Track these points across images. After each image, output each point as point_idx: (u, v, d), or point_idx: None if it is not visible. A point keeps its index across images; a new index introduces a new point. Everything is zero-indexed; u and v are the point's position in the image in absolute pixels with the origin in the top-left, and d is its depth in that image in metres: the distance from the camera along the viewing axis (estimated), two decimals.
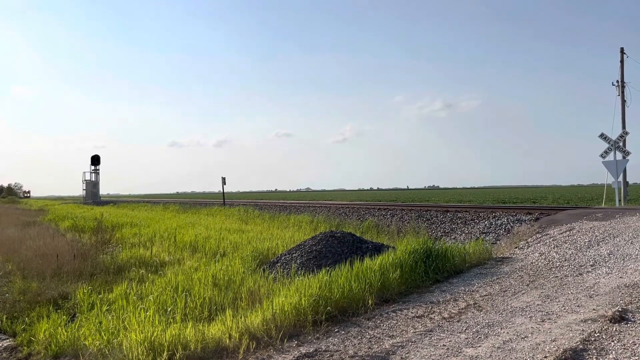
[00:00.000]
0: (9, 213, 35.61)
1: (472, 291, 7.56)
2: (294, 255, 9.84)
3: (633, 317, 5.44)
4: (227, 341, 5.38)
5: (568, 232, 11.61)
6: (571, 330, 5.23)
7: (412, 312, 6.48)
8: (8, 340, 6.55)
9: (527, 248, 11.05)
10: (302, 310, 6.13)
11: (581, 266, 8.67)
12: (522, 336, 5.21)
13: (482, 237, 13.79)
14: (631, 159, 21.77)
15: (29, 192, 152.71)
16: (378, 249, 9.99)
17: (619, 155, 21.54)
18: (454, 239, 14.96)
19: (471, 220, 16.62)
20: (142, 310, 6.56)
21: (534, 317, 5.88)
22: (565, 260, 9.28)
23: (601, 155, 21.81)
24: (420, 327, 5.83)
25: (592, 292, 6.88)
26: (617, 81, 24.22)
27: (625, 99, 24.08)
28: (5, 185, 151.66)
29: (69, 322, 6.81)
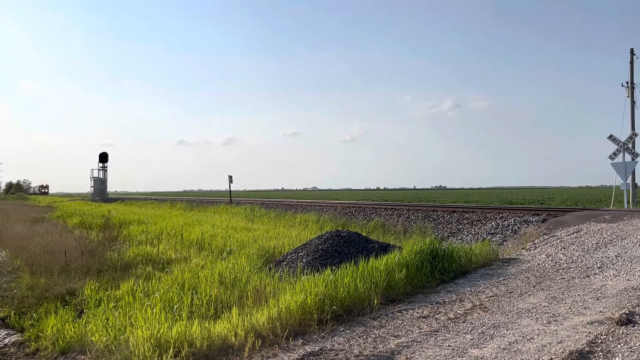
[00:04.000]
0: (18, 209, 35.88)
1: (478, 292, 7.54)
2: (300, 254, 9.86)
3: None
4: (233, 339, 5.41)
5: (575, 234, 11.54)
6: (577, 332, 5.21)
7: (417, 312, 6.48)
8: (16, 336, 6.61)
9: (534, 249, 11.00)
10: (308, 309, 6.14)
11: (588, 268, 8.63)
12: (528, 337, 5.19)
13: (488, 238, 13.74)
14: None
15: (47, 186, 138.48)
16: (384, 248, 9.98)
17: (628, 157, 21.38)
18: (460, 239, 14.91)
19: (478, 220, 16.56)
20: (148, 307, 6.60)
21: (540, 319, 5.86)
22: (573, 262, 9.23)
23: (610, 157, 21.66)
24: (425, 327, 5.83)
25: (599, 294, 6.84)
26: (627, 82, 24.04)
27: (634, 100, 23.91)
28: (14, 181, 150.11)
29: (76, 318, 6.86)
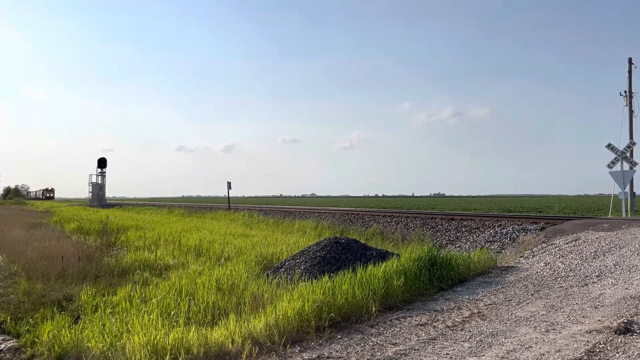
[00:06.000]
0: (16, 214, 35.77)
1: (477, 300, 7.52)
2: (297, 260, 9.84)
3: (639, 329, 5.39)
4: (230, 346, 5.38)
5: (574, 242, 11.54)
6: (576, 341, 5.20)
7: (415, 320, 6.45)
8: (12, 341, 6.57)
9: (533, 257, 10.99)
10: (305, 316, 6.12)
11: (587, 276, 8.62)
12: (526, 346, 5.17)
13: (487, 245, 13.74)
14: (638, 170, 21.66)
15: (52, 190, 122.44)
16: (382, 255, 9.96)
17: (626, 166, 21.43)
18: (459, 247, 14.90)
19: (476, 228, 16.56)
20: (145, 314, 6.58)
21: (538, 327, 5.85)
22: (571, 270, 9.23)
23: (608, 166, 21.71)
24: (423, 335, 5.81)
25: (597, 303, 6.83)
26: (625, 91, 24.14)
27: (632, 109, 24.00)
28: (12, 186, 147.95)
29: (72, 324, 6.82)
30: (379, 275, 7.78)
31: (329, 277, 7.76)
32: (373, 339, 5.72)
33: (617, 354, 4.72)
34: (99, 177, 66.77)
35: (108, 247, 14.62)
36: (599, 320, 5.92)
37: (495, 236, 14.80)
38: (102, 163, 66.99)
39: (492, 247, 13.59)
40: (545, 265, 9.91)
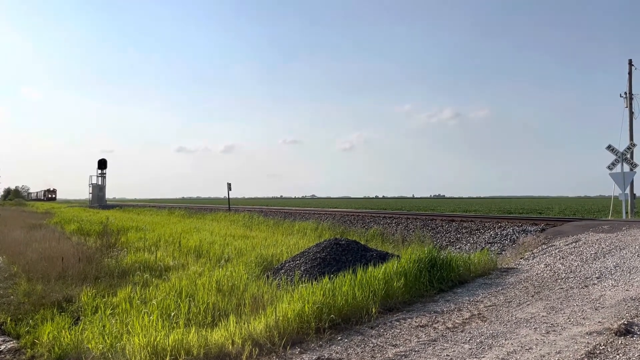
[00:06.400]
0: (16, 216, 35.81)
1: (477, 301, 7.52)
2: (298, 262, 9.84)
3: (639, 331, 5.39)
4: (230, 347, 5.38)
5: (574, 244, 11.54)
6: (576, 343, 5.20)
7: (415, 322, 6.45)
8: (12, 342, 6.57)
9: (533, 259, 10.99)
10: (306, 317, 6.12)
11: (587, 278, 8.62)
12: (527, 348, 5.17)
13: (487, 247, 13.74)
14: (638, 171, 21.66)
15: (54, 191, 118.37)
16: (382, 257, 9.96)
17: (627, 168, 21.43)
18: (459, 248, 14.90)
19: (476, 230, 16.55)
20: (145, 315, 6.58)
21: (538, 329, 5.84)
22: (571, 271, 9.23)
23: (608, 167, 21.71)
24: (423, 336, 5.81)
25: (597, 305, 6.83)
26: (625, 93, 24.15)
27: (633, 110, 24.01)
28: (12, 187, 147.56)
29: (72, 325, 6.82)
30: (379, 277, 7.78)
31: (329, 278, 7.76)
32: (373, 340, 5.72)
33: (618, 356, 4.72)
34: (99, 178, 66.85)
35: (108, 249, 14.63)
36: (599, 322, 5.92)
37: (496, 238, 14.80)
38: (102, 164, 67.05)
39: (492, 248, 13.59)
40: (546, 267, 9.91)
